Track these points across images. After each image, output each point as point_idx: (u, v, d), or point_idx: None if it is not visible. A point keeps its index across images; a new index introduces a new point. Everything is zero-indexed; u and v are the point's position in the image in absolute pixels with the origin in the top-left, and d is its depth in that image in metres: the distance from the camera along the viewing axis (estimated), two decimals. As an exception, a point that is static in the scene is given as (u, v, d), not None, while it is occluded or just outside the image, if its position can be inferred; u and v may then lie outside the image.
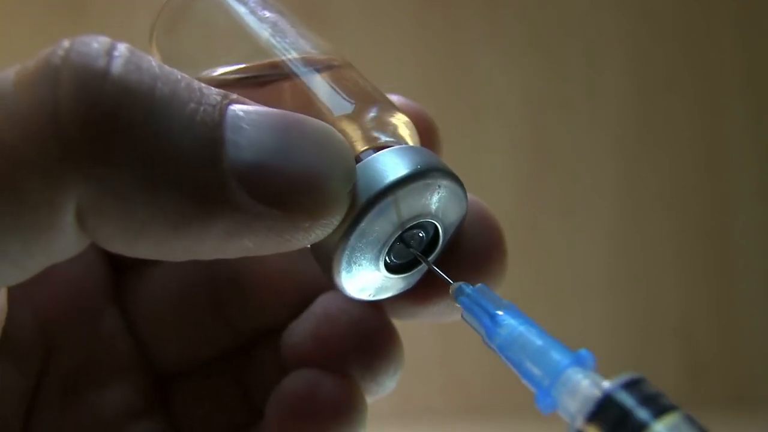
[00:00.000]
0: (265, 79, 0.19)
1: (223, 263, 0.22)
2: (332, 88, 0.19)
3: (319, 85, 0.19)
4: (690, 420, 0.14)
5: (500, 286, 0.20)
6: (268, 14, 0.20)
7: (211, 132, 0.15)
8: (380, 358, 0.20)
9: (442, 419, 0.71)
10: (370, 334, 0.20)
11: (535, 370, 0.16)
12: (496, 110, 0.76)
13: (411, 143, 0.19)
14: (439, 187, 0.18)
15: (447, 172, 0.18)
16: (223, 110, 0.16)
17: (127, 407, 0.21)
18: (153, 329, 0.22)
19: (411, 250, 0.19)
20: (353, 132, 0.18)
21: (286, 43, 0.19)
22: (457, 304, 0.18)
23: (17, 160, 0.14)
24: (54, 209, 0.15)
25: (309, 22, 0.21)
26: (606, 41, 0.77)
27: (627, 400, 0.15)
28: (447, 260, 0.19)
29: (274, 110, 0.16)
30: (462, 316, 0.18)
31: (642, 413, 0.14)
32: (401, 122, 0.19)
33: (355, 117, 0.18)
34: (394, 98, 0.20)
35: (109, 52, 0.15)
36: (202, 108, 0.15)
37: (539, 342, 0.16)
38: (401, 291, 0.20)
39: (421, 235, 0.19)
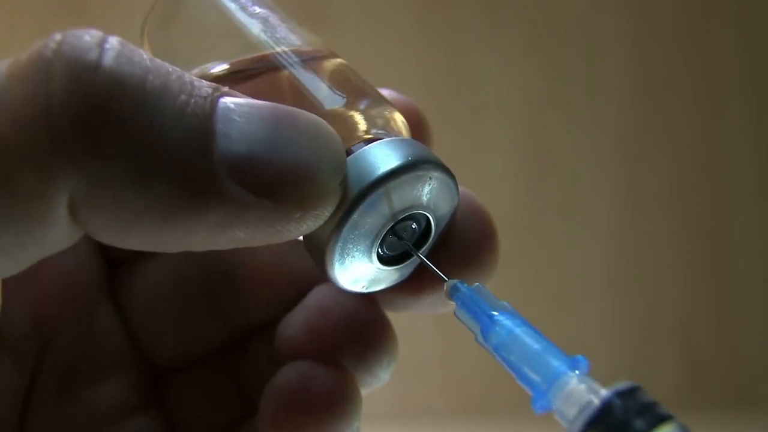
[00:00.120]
0: (256, 73, 0.19)
1: (217, 257, 0.22)
2: (323, 82, 0.19)
3: (311, 79, 0.19)
4: (684, 430, 0.15)
5: (492, 278, 0.20)
6: (258, 10, 0.20)
7: (202, 124, 0.15)
8: (374, 350, 0.21)
9: (442, 419, 0.71)
10: (363, 326, 0.21)
11: (532, 374, 0.16)
12: (496, 110, 0.76)
13: (402, 136, 0.19)
14: (431, 178, 0.18)
15: (438, 163, 0.18)
16: (214, 102, 0.16)
17: (121, 402, 0.21)
18: (147, 324, 0.22)
19: (404, 242, 0.19)
20: (344, 125, 0.18)
21: (277, 38, 0.19)
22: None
23: (9, 153, 0.15)
24: (46, 201, 0.15)
25: (309, 22, 0.21)
26: (606, 41, 0.77)
27: (624, 409, 0.15)
28: (439, 252, 0.19)
29: (266, 103, 0.17)
30: (455, 312, 0.18)
31: (639, 423, 0.15)
32: (392, 115, 0.19)
33: (346, 110, 0.18)
34: (385, 92, 0.20)
35: (101, 45, 0.15)
36: (193, 100, 0.16)
37: (536, 345, 0.17)
38: (394, 283, 0.20)
39: (413, 226, 0.19)
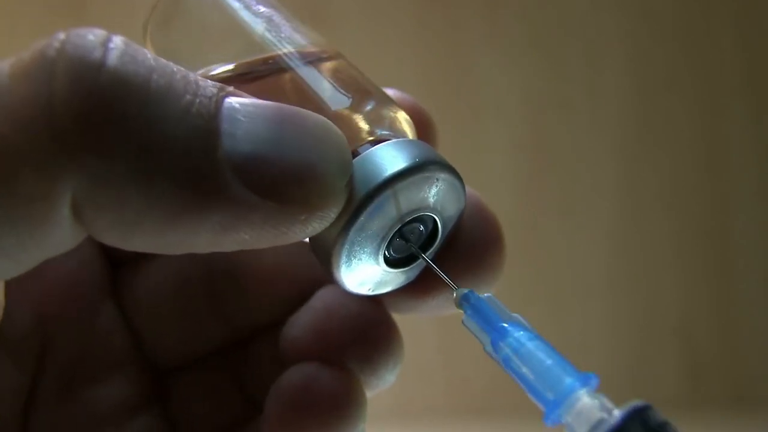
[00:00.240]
0: (261, 74, 0.19)
1: (220, 258, 0.22)
2: (329, 82, 0.19)
3: (316, 80, 0.19)
4: None
5: (499, 279, 0.20)
6: (262, 9, 0.20)
7: (206, 123, 0.15)
8: (379, 352, 0.20)
9: (444, 419, 0.71)
10: (369, 328, 0.20)
11: (543, 388, 0.16)
12: (496, 110, 0.76)
13: (408, 137, 0.19)
14: (438, 180, 0.18)
15: (445, 165, 0.18)
16: (219, 102, 0.16)
17: (123, 402, 0.21)
18: (149, 324, 0.22)
19: (411, 246, 0.18)
20: (350, 126, 0.18)
21: (281, 37, 0.19)
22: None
23: (11, 153, 0.14)
24: (49, 202, 0.15)
25: (309, 22, 0.20)
26: (606, 41, 0.77)
27: (636, 428, 0.15)
28: (445, 254, 0.19)
29: (271, 103, 0.16)
30: (463, 322, 0.18)
31: None
32: (398, 116, 0.19)
33: (352, 111, 0.18)
34: (390, 92, 0.20)
35: (105, 44, 0.15)
36: (198, 100, 0.15)
37: (548, 360, 0.16)
38: (401, 285, 0.20)
39: (420, 228, 0.19)
